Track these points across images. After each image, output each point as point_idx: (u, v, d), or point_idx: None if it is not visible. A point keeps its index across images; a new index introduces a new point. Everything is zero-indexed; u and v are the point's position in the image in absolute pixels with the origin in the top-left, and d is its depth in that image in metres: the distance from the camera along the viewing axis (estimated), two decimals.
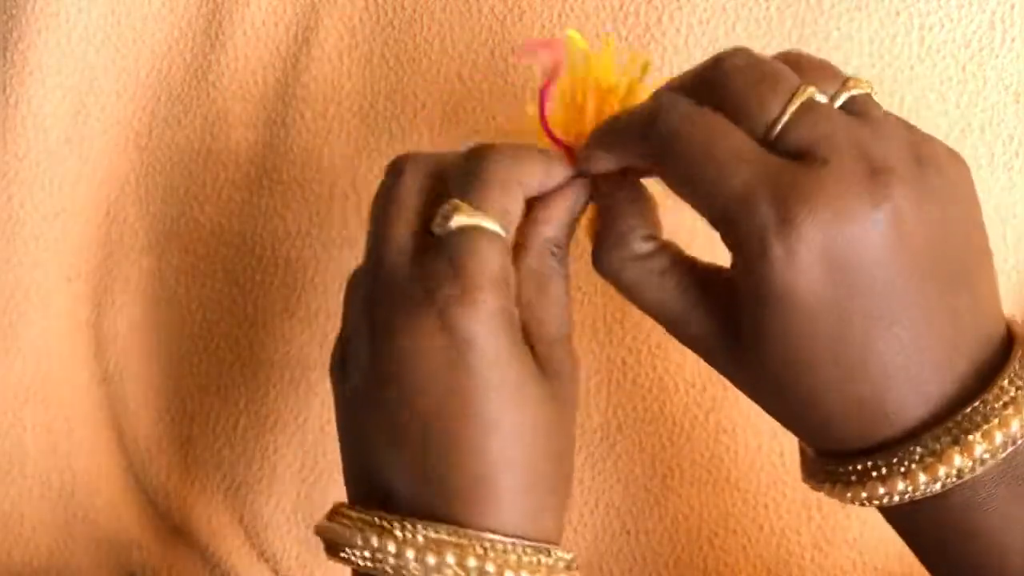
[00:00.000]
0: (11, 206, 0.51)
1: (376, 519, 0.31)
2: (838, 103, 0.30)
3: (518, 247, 0.33)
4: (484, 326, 0.30)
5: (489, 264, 0.31)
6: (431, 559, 0.29)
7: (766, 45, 0.46)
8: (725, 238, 0.29)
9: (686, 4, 0.47)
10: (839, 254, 0.27)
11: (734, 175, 0.28)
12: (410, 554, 0.29)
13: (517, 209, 0.33)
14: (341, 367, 0.35)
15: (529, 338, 0.32)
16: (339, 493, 0.50)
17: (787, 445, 0.46)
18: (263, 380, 0.51)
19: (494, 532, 0.30)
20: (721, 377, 0.46)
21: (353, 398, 0.33)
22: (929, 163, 0.29)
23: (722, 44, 0.47)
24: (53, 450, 0.52)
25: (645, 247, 0.32)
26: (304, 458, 0.50)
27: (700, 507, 0.47)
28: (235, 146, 0.51)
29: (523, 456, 0.31)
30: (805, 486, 0.46)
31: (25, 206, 0.51)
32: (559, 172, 0.34)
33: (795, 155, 0.28)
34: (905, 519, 0.33)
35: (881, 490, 0.29)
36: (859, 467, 0.30)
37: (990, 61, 0.46)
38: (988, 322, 0.30)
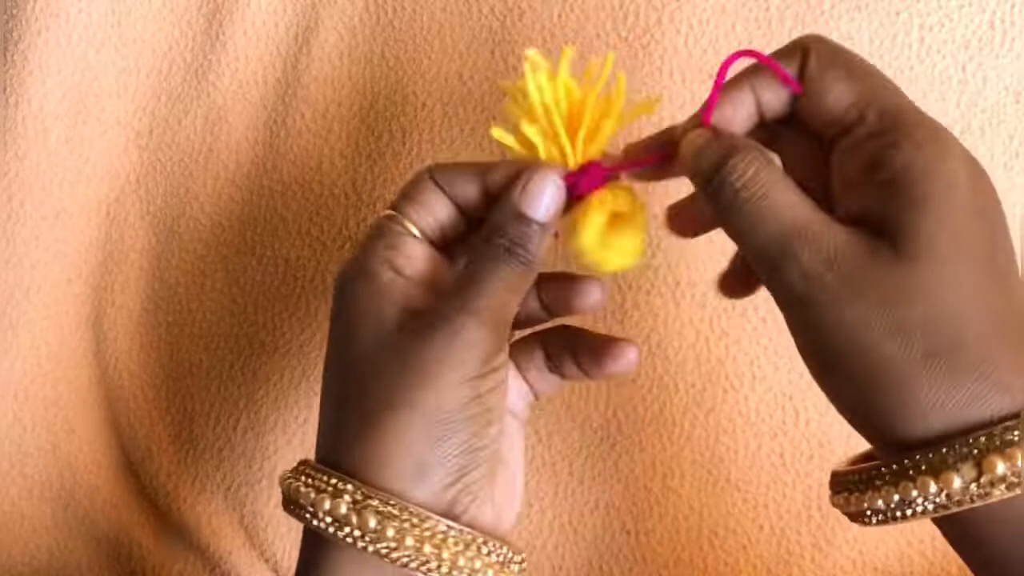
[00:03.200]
0: (11, 206, 0.51)
1: (325, 477, 0.32)
2: None
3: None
4: (351, 280, 0.34)
5: (372, 237, 0.34)
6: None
7: (766, 45, 0.46)
8: (878, 135, 0.29)
9: (686, 4, 0.47)
10: (977, 174, 0.29)
11: (898, 89, 0.31)
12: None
13: (435, 200, 0.35)
14: None
15: (432, 313, 0.33)
16: None
17: (787, 445, 0.46)
18: (263, 380, 0.51)
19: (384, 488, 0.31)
20: (721, 377, 0.46)
21: None
22: None
23: (722, 44, 0.47)
24: (53, 450, 0.52)
25: (778, 160, 0.32)
26: (304, 458, 0.50)
27: (700, 507, 0.47)
28: (235, 146, 0.51)
29: (360, 401, 0.32)
30: (805, 485, 0.46)
31: (25, 206, 0.51)
32: (469, 174, 0.35)
33: None
34: (965, 527, 0.30)
35: (956, 480, 0.26)
36: (932, 454, 0.27)
37: (990, 61, 0.46)
38: None
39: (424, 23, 0.49)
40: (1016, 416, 0.26)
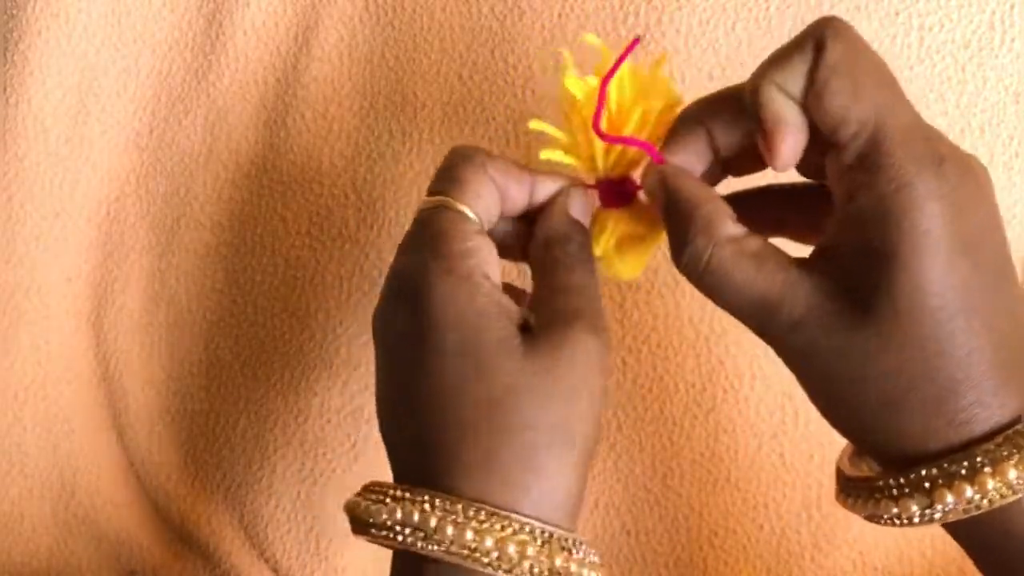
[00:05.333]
0: (11, 206, 0.51)
1: (398, 492, 0.30)
2: None
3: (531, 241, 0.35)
4: (431, 285, 0.31)
5: (449, 236, 0.32)
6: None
7: (766, 45, 0.46)
8: (863, 165, 0.28)
9: (686, 4, 0.47)
10: (968, 204, 0.28)
11: (904, 103, 0.29)
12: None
13: (488, 195, 0.34)
14: None
15: (537, 318, 0.32)
16: (339, 493, 0.50)
17: (787, 445, 0.46)
18: (263, 380, 0.51)
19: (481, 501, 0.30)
20: (721, 377, 0.46)
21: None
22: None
23: (722, 44, 0.47)
24: (53, 450, 0.52)
25: (736, 228, 0.30)
26: (304, 458, 0.50)
27: (700, 507, 0.47)
28: (235, 146, 0.51)
29: (485, 422, 0.30)
30: (805, 485, 0.46)
31: (25, 206, 0.51)
32: (520, 176, 0.35)
33: None
34: (973, 534, 0.30)
35: (949, 498, 0.27)
36: (930, 471, 0.28)
37: (990, 61, 0.46)
38: None
39: (424, 23, 0.49)
40: (999, 432, 0.27)
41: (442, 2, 0.49)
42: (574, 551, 0.30)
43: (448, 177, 0.34)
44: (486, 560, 0.29)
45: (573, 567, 0.30)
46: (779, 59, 0.30)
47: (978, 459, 0.27)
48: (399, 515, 0.30)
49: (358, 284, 0.50)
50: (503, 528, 0.29)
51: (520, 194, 0.34)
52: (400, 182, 0.49)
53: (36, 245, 0.51)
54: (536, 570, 0.29)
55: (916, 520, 0.28)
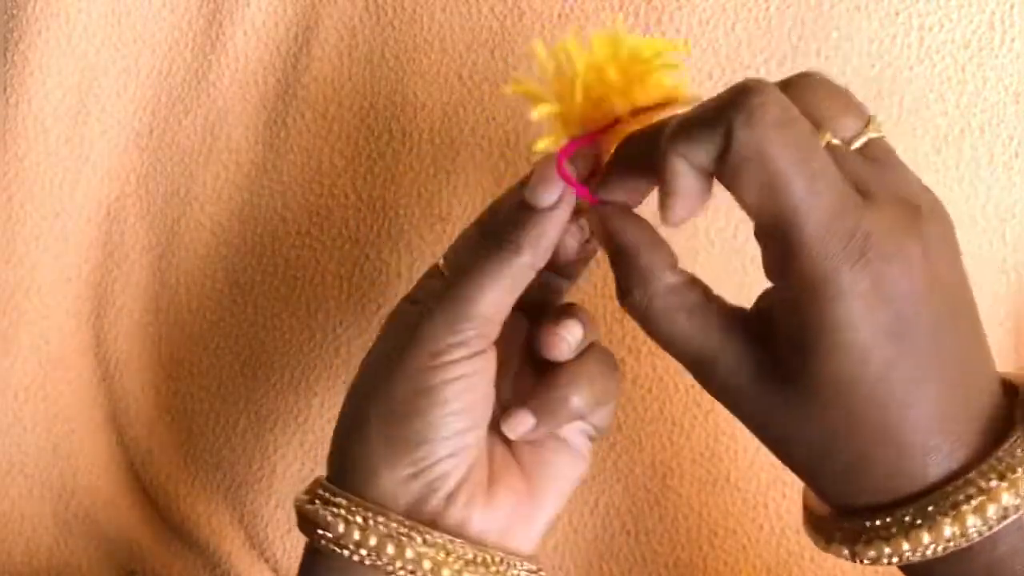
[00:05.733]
0: (11, 206, 0.51)
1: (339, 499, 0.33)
2: (860, 142, 0.30)
3: None
4: (381, 329, 0.36)
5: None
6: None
7: (766, 45, 0.46)
8: (777, 258, 0.28)
9: (686, 4, 0.47)
10: (893, 291, 0.27)
11: (821, 196, 0.27)
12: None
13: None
14: None
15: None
16: None
17: None
18: (263, 380, 0.51)
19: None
20: None
21: None
22: (937, 208, 0.29)
23: (722, 44, 0.47)
24: (53, 450, 0.52)
25: (674, 279, 0.30)
26: (304, 458, 0.50)
27: (700, 507, 0.47)
28: (235, 146, 0.51)
29: (379, 416, 0.33)
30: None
31: (25, 206, 0.51)
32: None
33: (855, 182, 0.28)
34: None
35: (905, 546, 0.28)
36: (883, 520, 0.28)
37: (990, 61, 0.46)
38: (993, 373, 0.30)
39: (424, 23, 0.49)
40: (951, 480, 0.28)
41: (442, 2, 0.49)
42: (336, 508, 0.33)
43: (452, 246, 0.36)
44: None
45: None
46: (688, 130, 0.28)
47: (892, 522, 0.28)
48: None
49: (358, 284, 0.50)
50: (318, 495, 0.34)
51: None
52: (400, 182, 0.49)
53: (36, 245, 0.51)
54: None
55: (866, 562, 0.29)
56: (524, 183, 0.33)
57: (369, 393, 0.34)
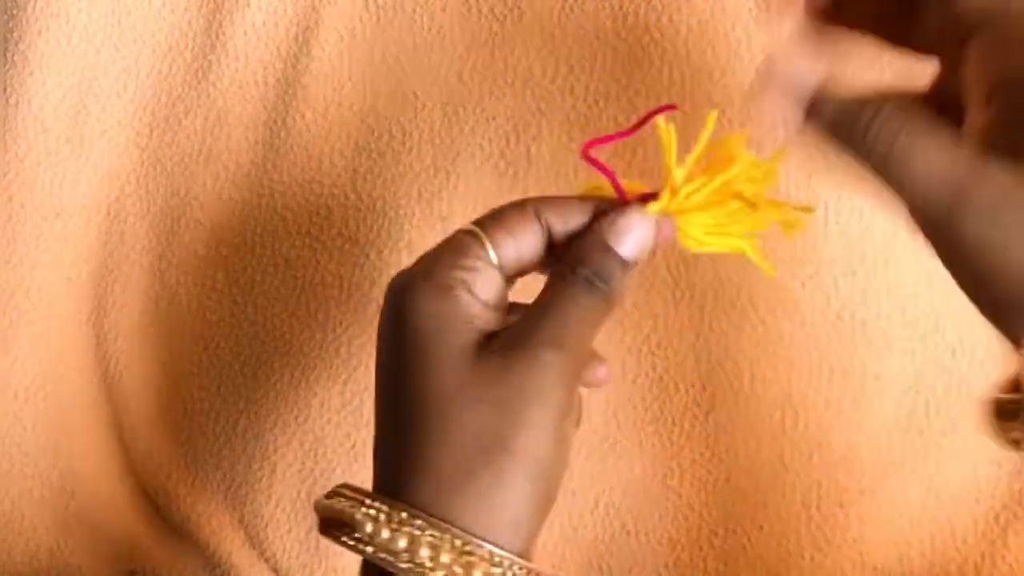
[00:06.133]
0: (11, 206, 0.51)
1: (362, 497, 0.31)
2: None
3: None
4: (416, 295, 0.32)
5: (448, 250, 0.33)
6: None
7: (766, 45, 0.46)
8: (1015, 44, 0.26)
9: (686, 4, 0.47)
10: None
11: None
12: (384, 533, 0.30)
13: (524, 233, 0.34)
14: None
15: (513, 341, 0.31)
16: None
17: (787, 445, 0.46)
18: (263, 380, 0.51)
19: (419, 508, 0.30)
20: (721, 377, 0.46)
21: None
22: None
23: (722, 44, 0.47)
24: (53, 450, 0.52)
25: (918, 114, 0.28)
26: (304, 458, 0.50)
27: (700, 507, 0.47)
28: (235, 146, 0.51)
29: (422, 424, 0.30)
30: (805, 485, 0.46)
31: (25, 206, 0.51)
32: (578, 212, 0.34)
33: None
34: None
35: None
36: None
37: None
38: None
39: (424, 23, 0.49)
40: None
41: (442, 2, 0.49)
42: (497, 568, 0.29)
43: (490, 213, 0.34)
44: (403, 564, 0.29)
45: None
46: None
47: None
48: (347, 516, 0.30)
49: (358, 284, 0.50)
50: (421, 532, 0.29)
51: (578, 221, 0.34)
52: (400, 182, 0.49)
53: (36, 245, 0.51)
54: None
55: None
56: (590, 199, 0.34)
57: (506, 436, 0.30)
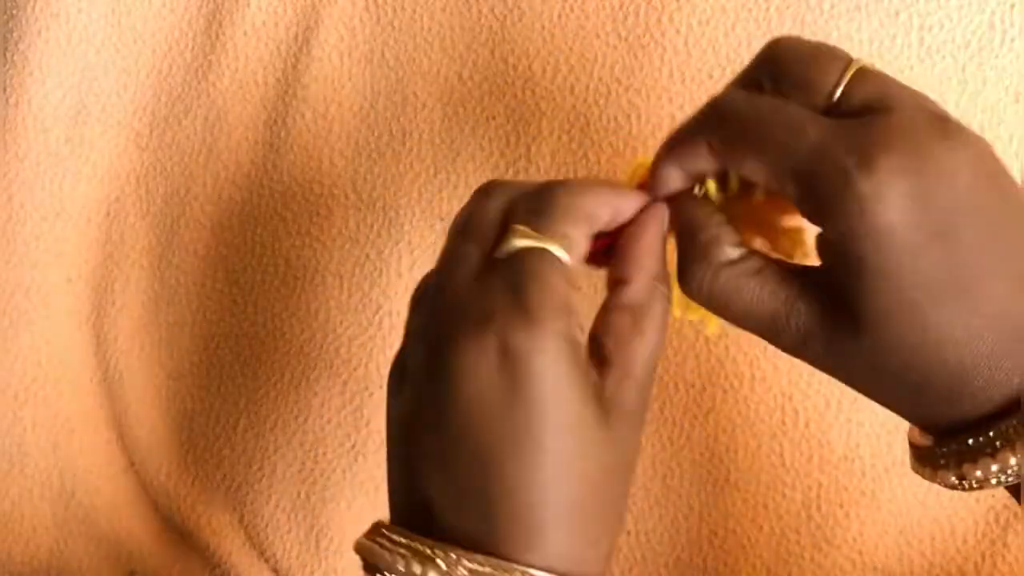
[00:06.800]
0: (11, 206, 0.51)
1: (420, 545, 0.29)
2: (843, 84, 0.29)
3: (617, 282, 0.32)
4: (542, 351, 0.28)
5: (550, 287, 0.29)
6: None
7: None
8: (807, 202, 0.28)
9: (686, 4, 0.47)
10: (928, 191, 0.27)
11: (805, 133, 0.28)
12: None
13: (581, 238, 0.31)
14: (399, 379, 0.32)
15: (605, 372, 0.31)
16: (339, 493, 0.50)
17: (787, 445, 0.46)
18: (263, 380, 0.51)
19: (536, 567, 0.28)
20: (721, 377, 0.46)
21: (405, 413, 0.31)
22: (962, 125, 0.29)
23: (722, 44, 0.47)
24: (53, 450, 0.52)
25: (734, 252, 0.30)
26: (304, 458, 0.50)
27: (700, 507, 0.47)
28: (235, 146, 0.51)
29: (572, 493, 0.29)
30: (805, 485, 0.46)
31: (25, 206, 0.51)
32: (631, 203, 0.33)
33: (858, 114, 0.28)
34: None
35: (1012, 460, 0.27)
36: (986, 435, 0.28)
37: (990, 61, 0.45)
38: None
39: (424, 23, 0.49)
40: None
41: (442, 2, 0.49)
42: None
43: (547, 214, 0.31)
44: None
45: None
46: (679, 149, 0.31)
47: (995, 436, 0.27)
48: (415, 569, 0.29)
49: (358, 284, 0.50)
50: None
51: (610, 216, 0.32)
52: (400, 182, 0.49)
53: (36, 245, 0.51)
54: None
55: (976, 485, 0.28)
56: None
57: (558, 460, 0.29)
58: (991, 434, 0.27)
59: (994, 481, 0.28)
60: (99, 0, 0.51)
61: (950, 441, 0.29)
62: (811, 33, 0.46)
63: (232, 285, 0.51)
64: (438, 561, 0.29)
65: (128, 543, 0.52)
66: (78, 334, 0.53)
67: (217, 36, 0.51)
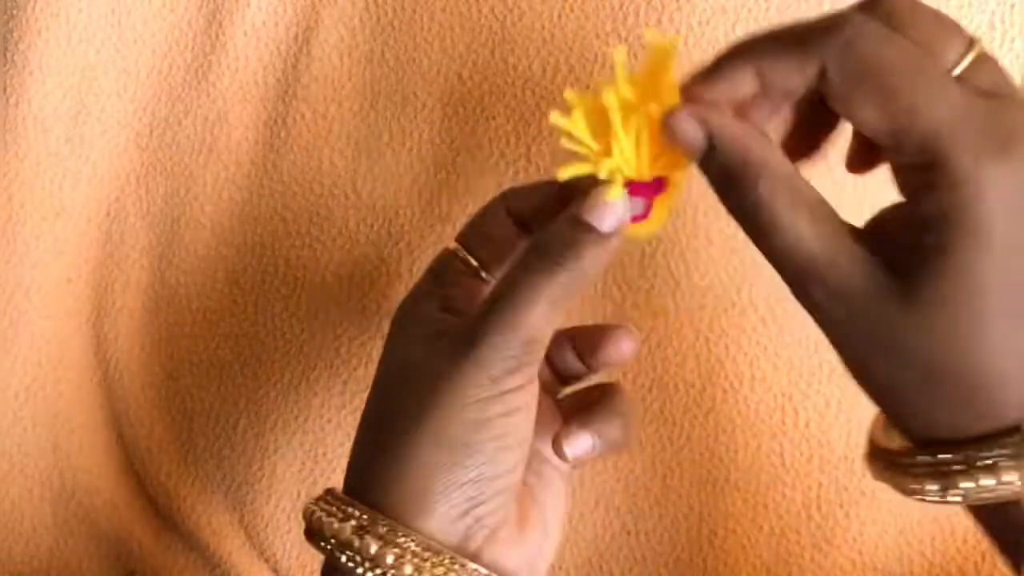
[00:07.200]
0: (11, 206, 0.51)
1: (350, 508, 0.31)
2: (965, 62, 0.28)
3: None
4: (399, 322, 0.33)
5: (430, 272, 0.34)
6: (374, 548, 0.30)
7: None
8: (919, 168, 0.26)
9: (686, 4, 0.47)
10: None
11: (943, 99, 0.26)
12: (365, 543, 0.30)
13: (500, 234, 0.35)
14: None
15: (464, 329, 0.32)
16: None
17: (787, 445, 0.46)
18: (263, 380, 0.51)
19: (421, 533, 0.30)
20: (721, 377, 0.46)
21: None
22: None
23: (722, 44, 0.47)
24: (53, 450, 0.52)
25: (792, 168, 0.29)
26: (304, 458, 0.50)
27: (700, 507, 0.47)
28: (235, 146, 0.51)
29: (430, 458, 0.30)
30: (805, 485, 0.46)
31: (25, 206, 0.51)
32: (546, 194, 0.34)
33: (984, 96, 0.27)
34: (998, 515, 0.29)
35: (990, 481, 0.27)
36: (968, 455, 0.27)
37: None
38: None
39: (424, 23, 0.49)
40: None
41: (442, 2, 0.49)
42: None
43: (468, 224, 0.36)
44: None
45: None
46: (776, 47, 0.29)
47: (1000, 453, 0.27)
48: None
49: (358, 284, 0.50)
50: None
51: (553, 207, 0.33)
52: (400, 182, 0.49)
53: (36, 245, 0.51)
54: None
55: (933, 499, 0.28)
56: (560, 186, 0.32)
57: (415, 416, 0.31)
58: (993, 451, 0.27)
59: (971, 496, 0.27)
60: (99, 0, 0.51)
61: (931, 450, 0.28)
62: None
63: (232, 285, 0.51)
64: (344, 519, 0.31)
65: (128, 543, 0.52)
66: (78, 334, 0.53)
67: (217, 36, 0.51)
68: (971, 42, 0.28)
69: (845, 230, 0.28)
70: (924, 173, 0.27)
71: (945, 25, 0.28)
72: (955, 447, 0.27)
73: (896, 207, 0.29)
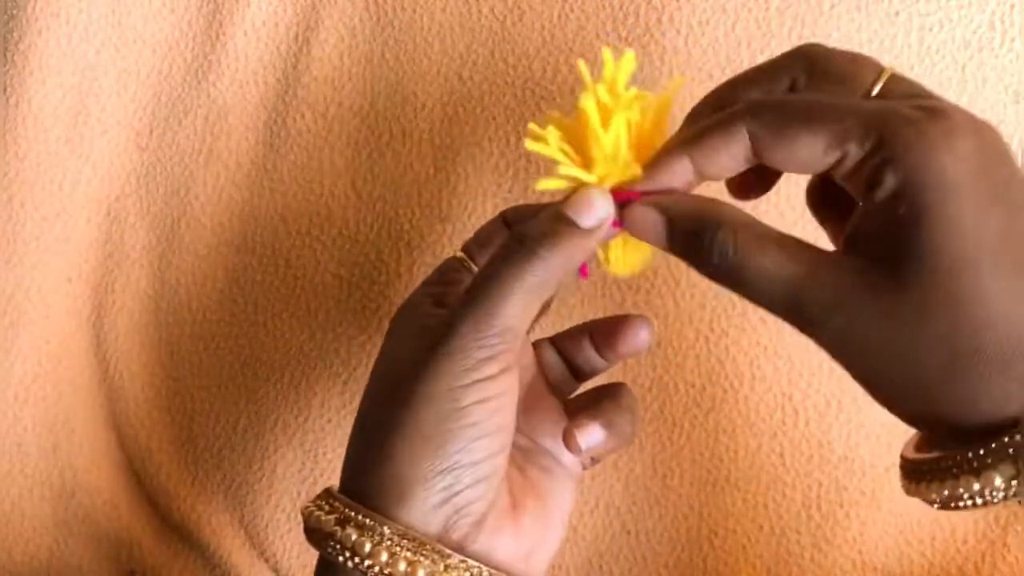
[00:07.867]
0: (11, 206, 0.51)
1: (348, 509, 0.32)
2: (879, 86, 0.30)
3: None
4: (396, 321, 0.34)
5: (432, 275, 0.35)
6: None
7: (766, 45, 0.46)
8: (868, 161, 0.27)
9: (686, 4, 0.47)
10: (988, 155, 0.26)
11: (866, 103, 0.28)
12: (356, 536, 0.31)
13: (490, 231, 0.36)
14: None
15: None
16: None
17: (787, 445, 0.46)
18: (263, 380, 0.51)
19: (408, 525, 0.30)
20: (721, 377, 0.46)
21: None
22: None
23: (722, 44, 0.47)
24: (53, 450, 0.52)
25: (750, 217, 0.29)
26: (304, 458, 0.50)
27: (700, 507, 0.47)
28: (235, 146, 0.51)
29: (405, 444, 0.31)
30: (805, 485, 0.46)
31: (25, 206, 0.51)
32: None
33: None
34: None
35: (997, 479, 0.26)
36: (1014, 438, 0.26)
37: (990, 61, 0.46)
38: None
39: (424, 23, 0.49)
40: None
41: (442, 2, 0.49)
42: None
43: (472, 237, 0.37)
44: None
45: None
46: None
47: (989, 451, 0.26)
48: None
49: (358, 284, 0.50)
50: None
51: None
52: (400, 182, 0.49)
53: (36, 245, 0.51)
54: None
55: (1001, 494, 0.27)
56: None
57: (393, 409, 0.31)
58: (992, 447, 0.26)
59: (979, 501, 0.27)
60: (99, 0, 0.51)
61: (977, 443, 0.27)
62: (811, 33, 0.46)
63: (232, 285, 0.51)
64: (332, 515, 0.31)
65: (128, 543, 0.52)
66: (78, 334, 0.53)
67: (217, 36, 0.51)
68: (882, 69, 0.30)
69: (816, 248, 0.29)
70: (874, 156, 0.27)
71: (858, 60, 0.30)
72: (1011, 427, 0.26)
73: (859, 210, 0.29)
